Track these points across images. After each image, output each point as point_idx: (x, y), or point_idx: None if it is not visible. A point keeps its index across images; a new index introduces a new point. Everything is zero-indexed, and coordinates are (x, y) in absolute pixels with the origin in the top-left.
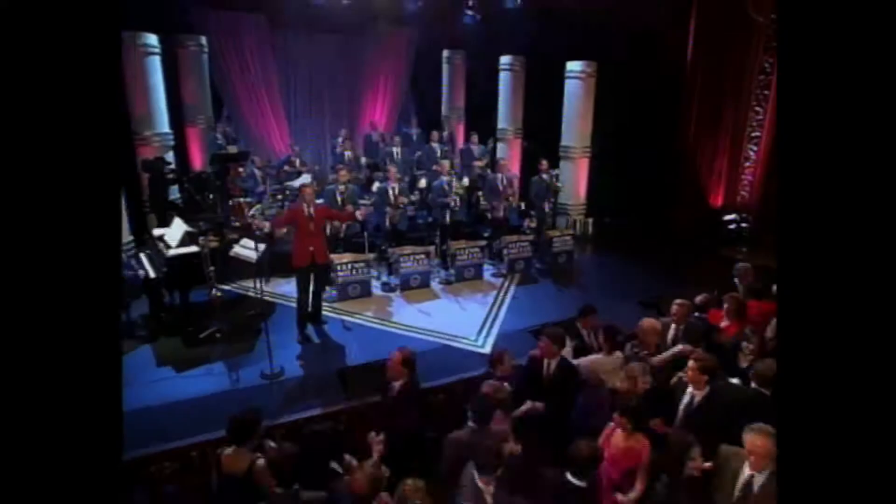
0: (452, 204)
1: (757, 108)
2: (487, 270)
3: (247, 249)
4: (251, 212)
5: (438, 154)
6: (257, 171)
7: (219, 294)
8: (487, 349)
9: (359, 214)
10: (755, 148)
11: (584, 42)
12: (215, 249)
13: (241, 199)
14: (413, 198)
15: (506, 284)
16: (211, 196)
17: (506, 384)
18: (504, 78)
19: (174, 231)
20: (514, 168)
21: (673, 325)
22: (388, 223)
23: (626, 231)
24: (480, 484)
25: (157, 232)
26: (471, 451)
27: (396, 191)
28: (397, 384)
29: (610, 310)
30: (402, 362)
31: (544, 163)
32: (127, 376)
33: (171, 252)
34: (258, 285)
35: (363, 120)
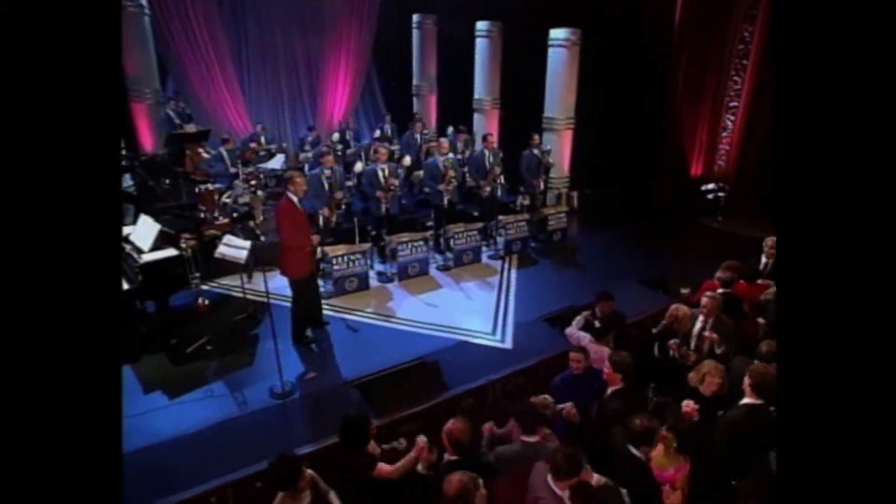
0: (450, 185)
1: (736, 78)
2: (484, 252)
3: (234, 248)
4: (223, 200)
5: (419, 140)
6: (225, 153)
7: (206, 303)
8: (508, 344)
9: (326, 212)
10: (733, 118)
11: (567, 8)
12: (195, 250)
13: (210, 186)
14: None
15: (506, 268)
16: (167, 182)
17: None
18: (481, 45)
19: (144, 231)
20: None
21: (701, 317)
22: (383, 208)
23: (609, 202)
24: (557, 490)
25: (126, 232)
26: (527, 462)
27: (386, 172)
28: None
29: (615, 291)
30: (453, 444)
31: (536, 137)
32: None
33: (146, 258)
34: (243, 282)
35: (325, 96)
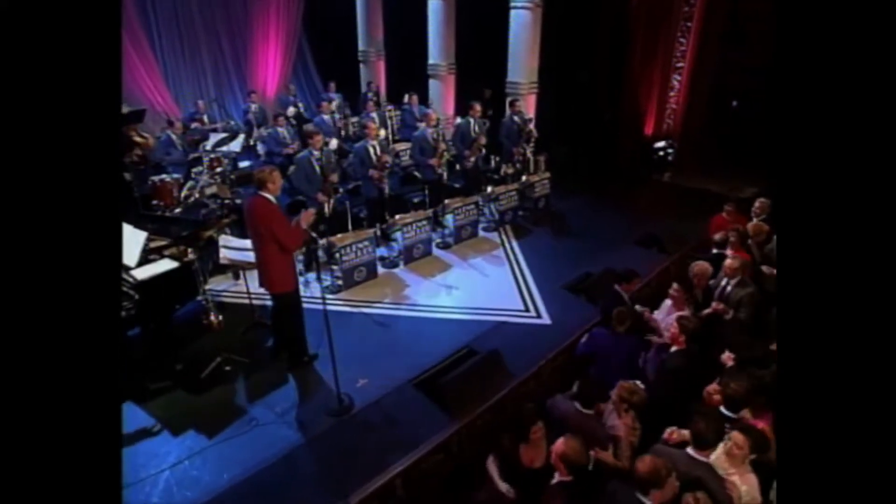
0: (442, 158)
1: (681, 40)
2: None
3: (237, 251)
4: (184, 192)
5: (376, 120)
6: (175, 137)
7: (220, 318)
8: (546, 319)
9: (320, 197)
10: (679, 77)
11: None
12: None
13: (165, 177)
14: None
15: (505, 239)
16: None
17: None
18: (434, 6)
19: (126, 242)
20: (449, 109)
21: (725, 279)
22: (385, 190)
23: (573, 165)
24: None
25: None
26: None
27: (377, 150)
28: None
29: (616, 254)
30: (569, 465)
31: (516, 104)
32: (130, 472)
33: (139, 275)
34: (242, 283)
35: (256, 65)
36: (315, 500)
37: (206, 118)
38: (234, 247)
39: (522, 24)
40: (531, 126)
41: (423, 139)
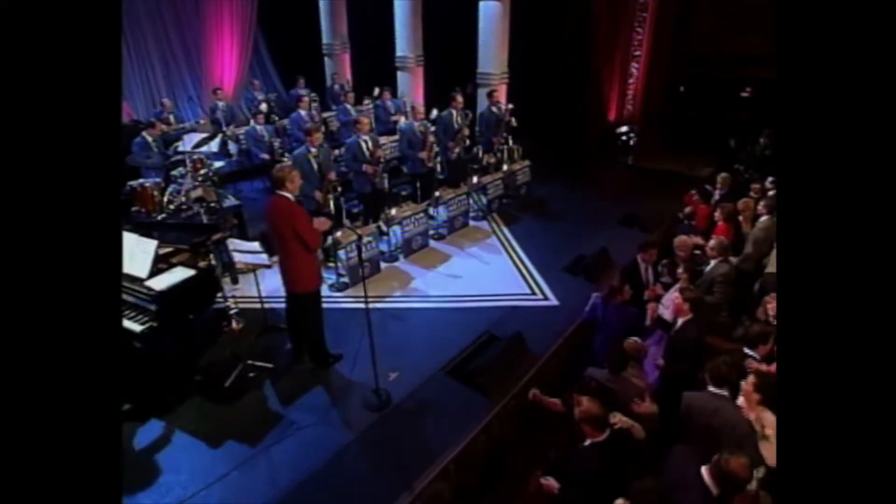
0: (432, 151)
1: (638, 30)
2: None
3: (250, 254)
4: (167, 197)
5: (353, 114)
6: (150, 139)
7: (241, 324)
8: (554, 301)
9: (318, 195)
10: (637, 65)
11: None
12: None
13: (145, 182)
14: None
15: (495, 227)
16: None
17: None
18: None
19: (131, 253)
20: (419, 101)
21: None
22: (377, 184)
23: (545, 151)
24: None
25: None
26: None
27: (370, 144)
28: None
29: (601, 234)
30: (594, 423)
31: (495, 94)
32: (177, 490)
33: (155, 285)
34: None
35: (211, 60)
36: (380, 493)
37: (172, 118)
38: (244, 250)
39: (492, 16)
40: (510, 116)
41: (412, 132)
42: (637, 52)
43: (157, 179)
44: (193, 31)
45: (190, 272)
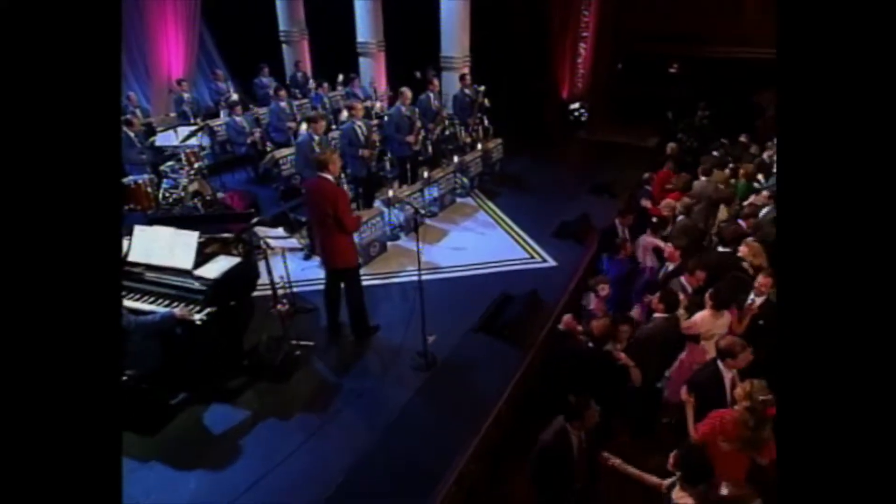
0: (420, 134)
1: (585, 12)
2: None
3: (282, 240)
4: (161, 192)
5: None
6: (132, 134)
7: (291, 308)
8: (552, 262)
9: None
10: (584, 45)
11: None
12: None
13: (137, 179)
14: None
15: (481, 202)
16: None
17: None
18: None
19: (168, 246)
20: (381, 86)
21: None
22: (389, 165)
23: (508, 129)
24: None
25: (135, 257)
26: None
27: (364, 129)
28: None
29: (576, 202)
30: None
31: (467, 77)
32: (260, 463)
33: (206, 274)
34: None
35: (157, 50)
36: (451, 438)
37: (139, 112)
38: (274, 236)
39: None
40: (482, 97)
41: (399, 116)
42: (585, 33)
43: (147, 175)
44: (132, 20)
45: (235, 260)
